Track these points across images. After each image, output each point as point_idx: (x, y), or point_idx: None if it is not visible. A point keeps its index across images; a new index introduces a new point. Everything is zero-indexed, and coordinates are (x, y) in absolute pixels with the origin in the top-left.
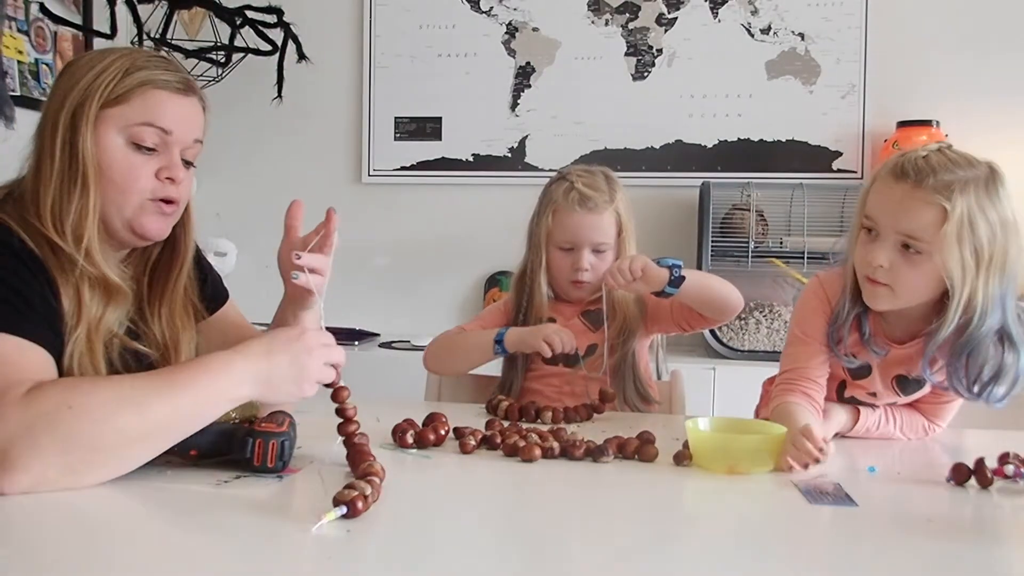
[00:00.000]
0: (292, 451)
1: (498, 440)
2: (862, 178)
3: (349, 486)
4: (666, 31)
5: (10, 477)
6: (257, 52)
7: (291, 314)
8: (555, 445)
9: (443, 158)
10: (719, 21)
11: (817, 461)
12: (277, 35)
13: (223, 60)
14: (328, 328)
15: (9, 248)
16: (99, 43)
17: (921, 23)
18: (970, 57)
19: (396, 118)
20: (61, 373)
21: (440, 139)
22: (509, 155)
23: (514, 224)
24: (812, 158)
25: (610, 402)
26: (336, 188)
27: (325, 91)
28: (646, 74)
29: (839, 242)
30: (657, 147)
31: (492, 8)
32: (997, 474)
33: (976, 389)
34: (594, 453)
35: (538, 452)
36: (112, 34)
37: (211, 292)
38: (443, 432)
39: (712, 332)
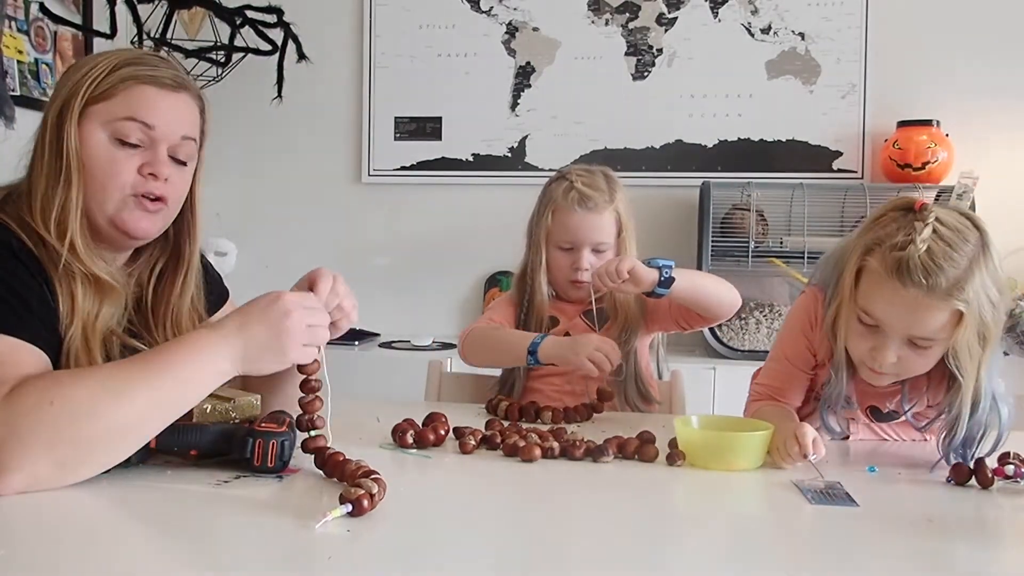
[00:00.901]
0: (292, 451)
1: (498, 440)
2: (862, 178)
3: (356, 484)
4: (666, 31)
5: (2, 478)
6: (257, 52)
7: None
8: (555, 445)
9: (443, 158)
10: (719, 21)
11: (805, 457)
12: (277, 35)
13: (223, 60)
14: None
15: (7, 248)
16: (99, 43)
17: (921, 23)
18: (970, 57)
19: (396, 118)
20: (59, 368)
21: (440, 139)
22: (509, 155)
23: (514, 224)
24: (812, 158)
25: (608, 400)
26: (336, 188)
27: (325, 91)
28: (646, 74)
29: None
30: (657, 147)
31: (492, 8)
32: (997, 474)
33: (968, 456)
34: (594, 453)
35: (538, 452)
36: (112, 34)
37: (214, 295)
38: (443, 432)
39: (712, 332)
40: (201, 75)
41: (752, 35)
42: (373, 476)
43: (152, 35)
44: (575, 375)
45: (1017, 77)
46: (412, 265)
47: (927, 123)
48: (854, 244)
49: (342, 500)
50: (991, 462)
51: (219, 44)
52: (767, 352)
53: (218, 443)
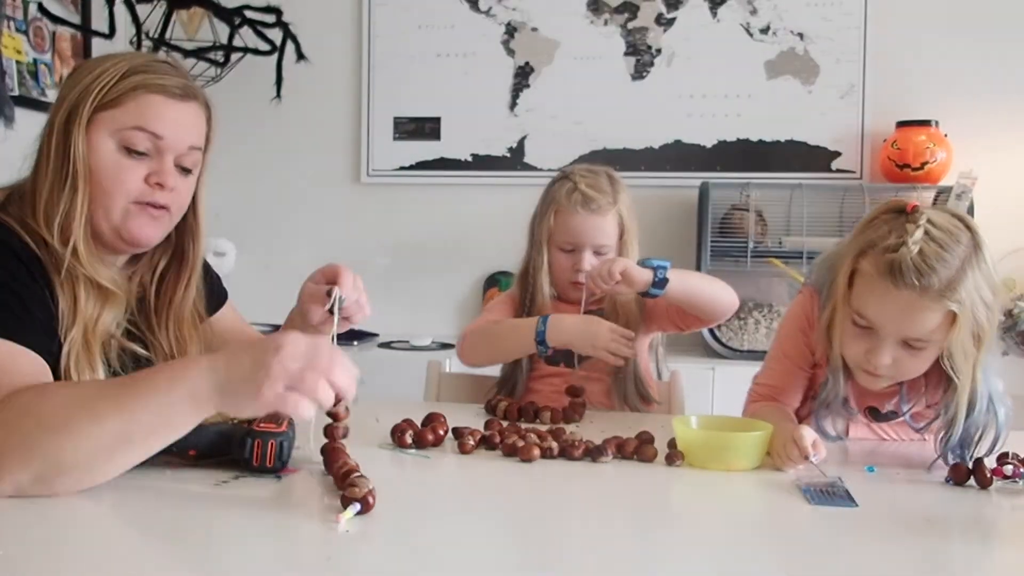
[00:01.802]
0: (291, 451)
1: (497, 440)
2: (861, 178)
3: (351, 484)
4: (665, 31)
5: None
6: (256, 52)
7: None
8: (554, 445)
9: (442, 158)
10: (718, 21)
11: (806, 459)
12: (276, 35)
13: (222, 60)
14: None
15: (9, 249)
16: (97, 43)
17: (921, 23)
18: (970, 57)
19: (395, 118)
20: (58, 375)
21: (439, 139)
22: (508, 155)
23: (514, 224)
24: (811, 158)
25: (578, 396)
26: (335, 188)
27: (324, 91)
28: (645, 74)
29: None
30: (656, 147)
31: (491, 8)
32: (996, 474)
33: (967, 454)
34: (593, 453)
35: (537, 452)
36: (111, 34)
37: (212, 296)
38: (442, 432)
39: (712, 332)
40: (200, 75)
41: (751, 35)
42: (356, 475)
43: (151, 35)
44: (575, 375)
45: (1017, 77)
46: (411, 265)
47: (926, 123)
48: (847, 247)
49: (345, 501)
50: (990, 462)
51: (218, 44)
52: (766, 352)
53: (217, 443)
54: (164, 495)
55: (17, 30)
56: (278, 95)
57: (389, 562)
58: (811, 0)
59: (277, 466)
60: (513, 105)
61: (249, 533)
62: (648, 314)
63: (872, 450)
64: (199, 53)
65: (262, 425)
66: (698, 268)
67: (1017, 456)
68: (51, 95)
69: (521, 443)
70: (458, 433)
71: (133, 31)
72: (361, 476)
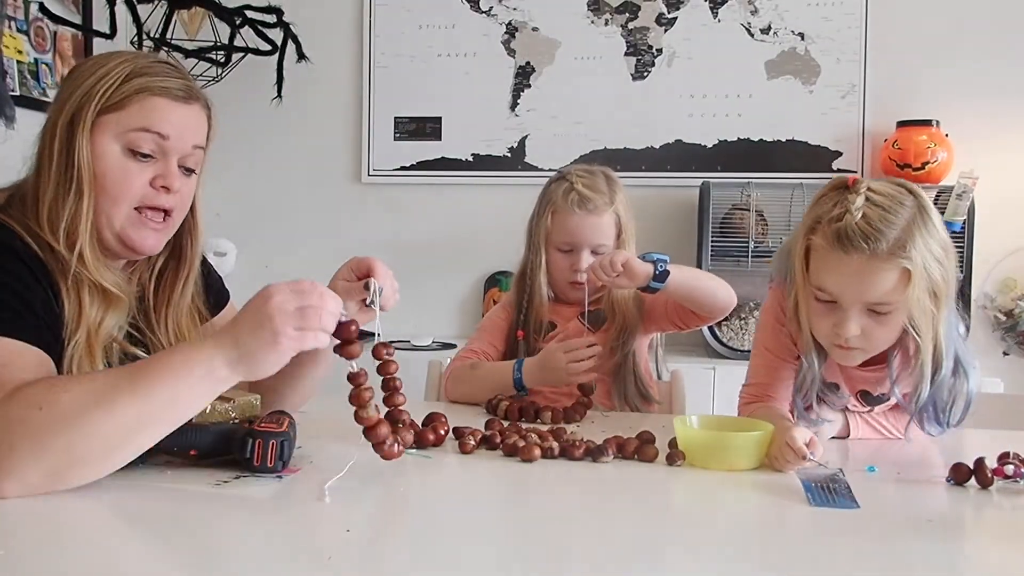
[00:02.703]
0: (292, 451)
1: (498, 440)
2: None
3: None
4: (666, 31)
5: None
6: (257, 52)
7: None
8: (555, 445)
9: (443, 158)
10: (719, 21)
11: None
12: (277, 35)
13: (223, 60)
14: None
15: (12, 251)
16: (99, 43)
17: (921, 23)
18: (970, 57)
19: (396, 118)
20: (61, 375)
21: (440, 139)
22: (509, 155)
23: (514, 224)
24: (812, 158)
25: (590, 393)
26: (336, 188)
27: (325, 91)
28: (646, 74)
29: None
30: (657, 147)
31: (492, 8)
32: (997, 474)
33: (941, 421)
34: (593, 453)
35: (538, 452)
36: (112, 34)
37: (214, 296)
38: (443, 432)
39: (712, 332)
40: (201, 75)
41: (752, 35)
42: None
43: (152, 35)
44: (560, 391)
45: (1017, 77)
46: (412, 265)
47: (927, 123)
48: (798, 230)
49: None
50: (991, 462)
51: (219, 44)
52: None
53: (218, 443)
54: (164, 495)
55: (18, 30)
56: (279, 95)
57: (389, 562)
58: (812, 0)
59: (277, 466)
60: (514, 105)
61: (249, 533)
62: (647, 314)
63: (873, 450)
64: (200, 53)
65: (263, 425)
66: (699, 268)
67: (1018, 456)
68: (52, 95)
69: (522, 443)
70: (459, 433)
71: (134, 31)
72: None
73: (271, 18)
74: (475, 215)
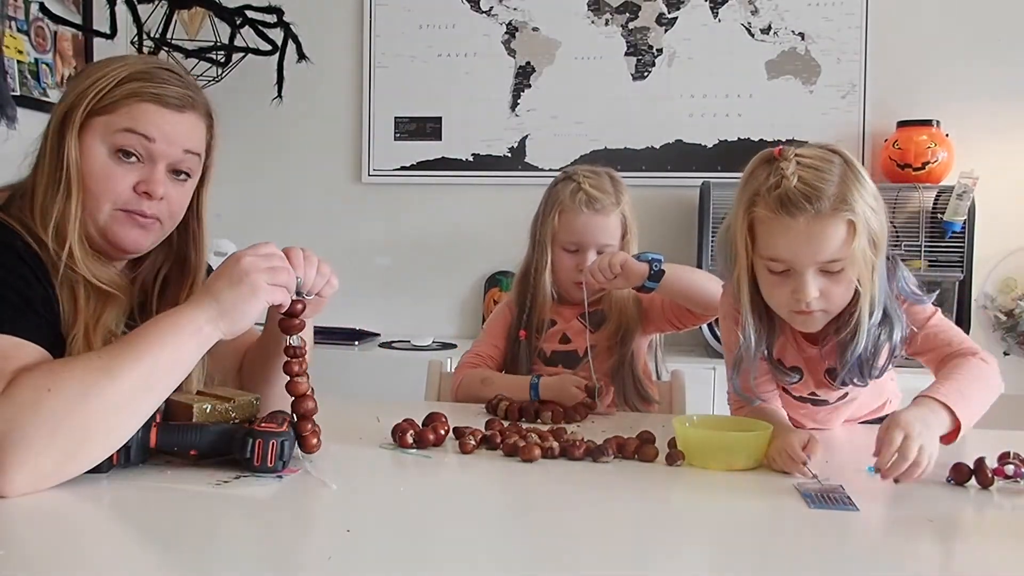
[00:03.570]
0: (292, 451)
1: (498, 440)
2: None
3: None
4: (666, 31)
5: (7, 477)
6: (257, 52)
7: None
8: (555, 445)
9: (443, 158)
10: (719, 21)
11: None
12: (277, 35)
13: (223, 60)
14: (329, 328)
15: (12, 249)
16: (99, 43)
17: (921, 23)
18: (970, 57)
19: (396, 118)
20: None
21: (440, 139)
22: (509, 155)
23: (514, 224)
24: None
25: (597, 396)
26: (336, 188)
27: (325, 91)
28: (646, 74)
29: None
30: (657, 147)
31: (492, 8)
32: (997, 474)
33: (865, 372)
34: (594, 453)
35: (538, 452)
36: (112, 34)
37: None
38: (443, 432)
39: (712, 332)
40: (201, 75)
41: (752, 35)
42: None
43: (152, 35)
44: (564, 391)
45: (1017, 77)
46: (412, 265)
47: (927, 123)
48: (734, 210)
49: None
50: (991, 462)
51: (219, 44)
52: None
53: (218, 443)
54: (164, 495)
55: (19, 30)
56: (279, 95)
57: (390, 562)
58: (812, 0)
59: (278, 466)
60: (514, 105)
61: (249, 533)
62: (645, 314)
63: (872, 450)
64: (200, 53)
65: (263, 425)
66: (699, 268)
67: (1018, 456)
68: (52, 95)
69: (522, 443)
70: (459, 433)
71: (134, 31)
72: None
73: (271, 18)
74: (475, 215)
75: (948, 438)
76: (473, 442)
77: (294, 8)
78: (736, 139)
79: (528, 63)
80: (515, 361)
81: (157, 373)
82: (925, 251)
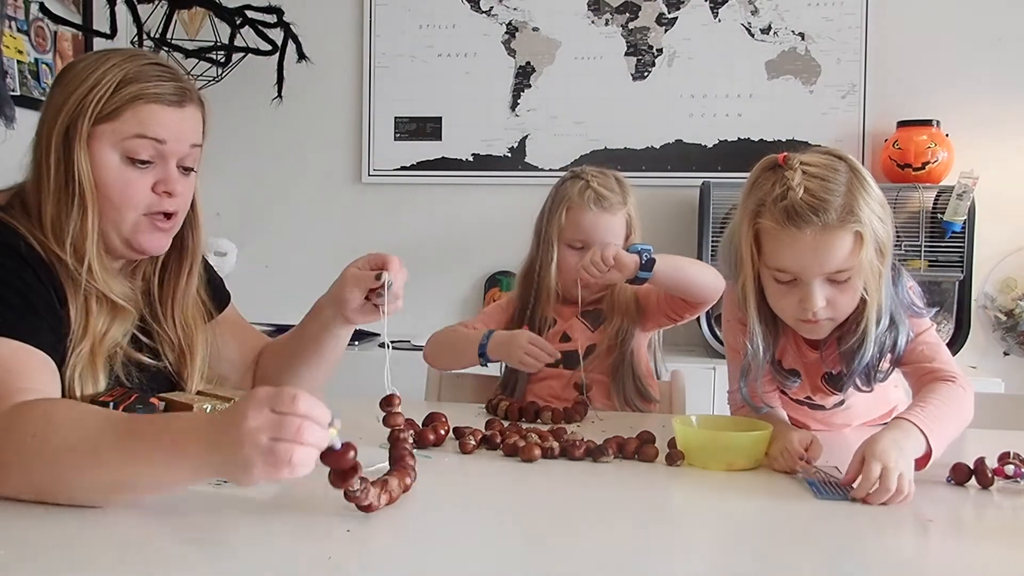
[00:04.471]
0: None
1: (498, 440)
2: None
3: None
4: (666, 31)
5: None
6: (257, 52)
7: (337, 321)
8: (555, 445)
9: (443, 158)
10: (719, 21)
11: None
12: (277, 35)
13: (223, 60)
14: None
15: (15, 251)
16: (99, 43)
17: (921, 23)
18: (970, 57)
19: (396, 118)
20: (62, 383)
21: (440, 139)
22: (509, 155)
23: (515, 224)
24: None
25: (583, 392)
26: (336, 188)
27: (325, 91)
28: (646, 74)
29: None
30: (657, 147)
31: (492, 8)
32: (997, 474)
33: (871, 377)
34: (594, 453)
35: (538, 452)
36: (112, 34)
37: (217, 299)
38: (443, 432)
39: (712, 332)
40: (201, 75)
41: (752, 35)
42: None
43: (152, 35)
44: (571, 380)
45: (1017, 77)
46: (412, 265)
47: (927, 123)
48: (739, 217)
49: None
50: (991, 462)
51: (219, 44)
52: None
53: None
54: (164, 495)
55: (18, 30)
56: (279, 95)
57: (390, 562)
58: (812, 0)
59: None
60: (514, 105)
61: (249, 533)
62: (643, 311)
63: None
64: (200, 53)
65: None
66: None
67: (1018, 456)
68: None
69: (522, 443)
70: (459, 433)
71: (134, 31)
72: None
73: (271, 18)
74: (475, 215)
75: (919, 463)
76: (473, 442)
77: (294, 8)
78: (736, 139)
79: (528, 63)
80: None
81: (135, 482)
82: (925, 251)
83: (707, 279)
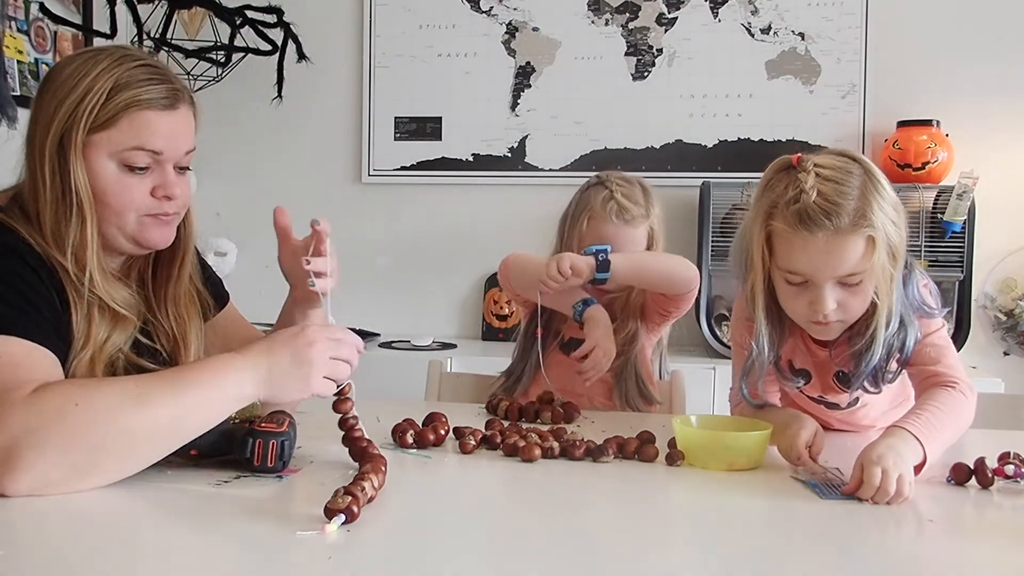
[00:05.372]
0: (292, 451)
1: (498, 440)
2: None
3: (347, 491)
4: (666, 31)
5: (12, 477)
6: (257, 52)
7: (299, 314)
8: (555, 445)
9: (443, 158)
10: (719, 21)
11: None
12: (277, 35)
13: (223, 60)
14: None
15: (16, 252)
16: (99, 43)
17: (921, 23)
18: (970, 57)
19: (396, 118)
20: None
21: (440, 139)
22: (509, 155)
23: (515, 224)
24: None
25: (551, 403)
26: (336, 188)
27: (325, 91)
28: (646, 74)
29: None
30: (657, 147)
31: (492, 8)
32: (997, 474)
33: (880, 379)
34: (594, 453)
35: (538, 452)
36: (112, 34)
37: (217, 298)
38: (443, 432)
39: (712, 331)
40: (201, 75)
41: (752, 35)
42: (364, 478)
43: (152, 35)
44: (575, 381)
45: (1017, 77)
46: (412, 265)
47: (927, 123)
48: (752, 218)
49: (328, 512)
50: (991, 462)
51: (219, 44)
52: None
53: (218, 443)
54: (164, 495)
55: (19, 30)
56: (279, 95)
57: (390, 562)
58: (812, 0)
59: (278, 466)
60: (514, 105)
61: (249, 533)
62: (642, 311)
63: None
64: (200, 53)
65: (263, 425)
66: (699, 268)
67: (1018, 456)
68: None
69: (522, 443)
70: (459, 433)
71: (134, 31)
72: (368, 478)
73: (271, 18)
74: (475, 215)
75: (914, 470)
76: (473, 442)
77: (294, 8)
78: (736, 139)
79: (528, 63)
80: (525, 352)
81: (188, 416)
82: (925, 251)
83: (673, 268)
